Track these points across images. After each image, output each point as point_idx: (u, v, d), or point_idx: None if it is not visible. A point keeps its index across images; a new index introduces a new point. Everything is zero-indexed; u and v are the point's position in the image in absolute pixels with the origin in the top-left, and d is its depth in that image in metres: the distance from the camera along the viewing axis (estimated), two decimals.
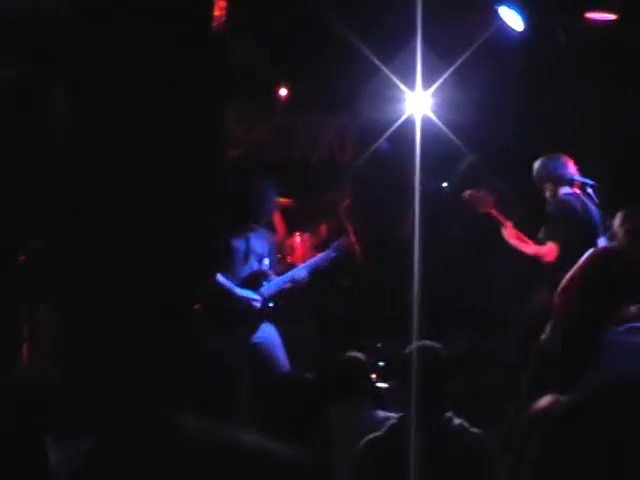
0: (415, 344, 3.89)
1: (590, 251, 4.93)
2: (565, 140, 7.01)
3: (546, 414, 2.99)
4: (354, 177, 7.52)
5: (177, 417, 1.01)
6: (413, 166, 6.00)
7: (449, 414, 3.76)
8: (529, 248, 6.06)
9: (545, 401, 3.13)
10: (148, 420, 1.00)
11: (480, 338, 6.14)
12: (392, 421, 3.85)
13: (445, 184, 7.38)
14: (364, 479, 3.69)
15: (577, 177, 6.26)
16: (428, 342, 3.92)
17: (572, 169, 6.15)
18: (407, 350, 3.85)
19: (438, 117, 6.53)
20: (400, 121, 6.62)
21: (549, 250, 5.93)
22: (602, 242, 6.11)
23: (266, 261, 6.22)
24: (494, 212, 6.15)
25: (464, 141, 6.81)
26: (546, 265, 5.97)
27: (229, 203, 5.94)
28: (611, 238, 5.74)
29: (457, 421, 3.76)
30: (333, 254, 6.51)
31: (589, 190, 6.30)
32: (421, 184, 6.03)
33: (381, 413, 4.30)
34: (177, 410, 1.02)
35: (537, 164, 6.18)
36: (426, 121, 6.38)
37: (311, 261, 6.55)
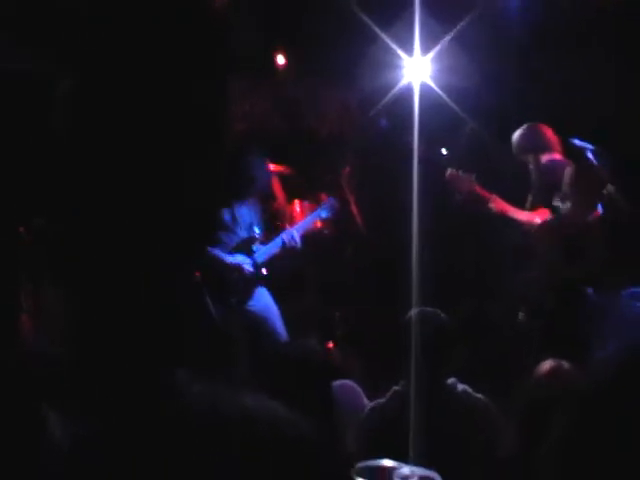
0: (415, 310, 3.92)
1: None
2: (568, 108, 6.95)
3: (550, 380, 3.04)
4: (354, 146, 7.56)
5: (179, 384, 0.99)
6: (412, 133, 5.91)
7: (452, 380, 3.80)
8: (522, 215, 6.06)
9: (547, 366, 3.17)
10: (151, 389, 0.98)
11: (482, 306, 6.12)
12: (396, 388, 3.88)
13: (445, 151, 7.37)
14: (368, 445, 3.72)
15: (576, 142, 6.24)
16: (428, 308, 3.96)
17: (551, 135, 6.18)
18: (407, 316, 3.88)
19: (437, 84, 6.48)
20: (398, 88, 6.56)
21: (541, 215, 5.95)
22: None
23: (256, 229, 6.20)
24: (477, 189, 6.14)
25: (464, 108, 6.77)
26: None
27: (223, 175, 5.95)
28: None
29: (461, 387, 3.81)
30: (324, 213, 6.51)
31: (589, 155, 6.27)
32: (421, 152, 6.00)
33: None
34: (179, 377, 0.99)
35: (515, 137, 6.23)
36: (425, 88, 6.33)
37: (301, 222, 6.55)
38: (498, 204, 6.11)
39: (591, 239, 5.70)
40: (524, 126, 6.21)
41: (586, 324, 5.14)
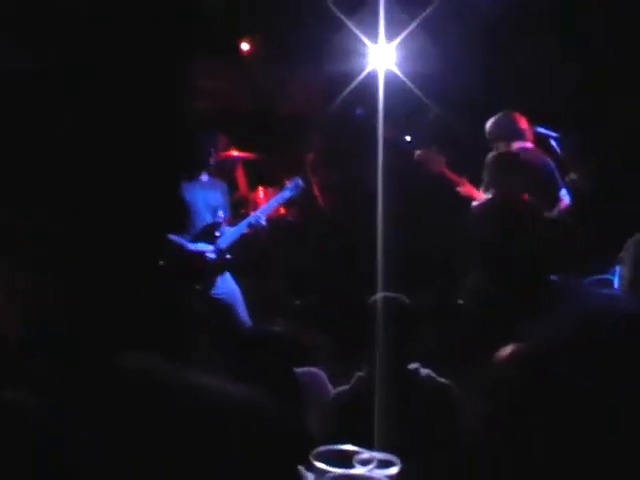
0: (378, 295, 3.92)
1: None
2: (534, 95, 7.05)
3: (511, 363, 3.06)
4: (319, 130, 7.49)
5: (131, 362, 1.01)
6: (377, 120, 6.01)
7: (416, 365, 3.81)
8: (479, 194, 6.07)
9: (507, 350, 3.20)
10: (105, 366, 1.00)
11: (448, 291, 6.15)
12: (359, 373, 3.89)
13: (408, 138, 7.38)
14: (332, 432, 3.72)
15: (540, 130, 6.33)
16: (391, 293, 3.96)
17: (523, 124, 6.21)
18: (370, 301, 3.89)
19: (402, 70, 6.52)
20: (364, 74, 6.58)
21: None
22: (564, 194, 6.26)
23: (220, 213, 6.16)
24: (446, 172, 6.18)
25: (429, 95, 6.82)
26: None
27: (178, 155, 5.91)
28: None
29: (424, 371, 3.82)
30: (289, 193, 6.47)
31: (552, 143, 6.36)
32: (385, 138, 6.03)
33: None
34: (134, 356, 1.02)
35: (488, 124, 6.25)
36: (390, 75, 6.35)
37: (265, 205, 6.51)
38: (466, 188, 6.17)
39: (527, 220, 5.71)
40: (499, 114, 6.25)
41: (546, 309, 5.16)
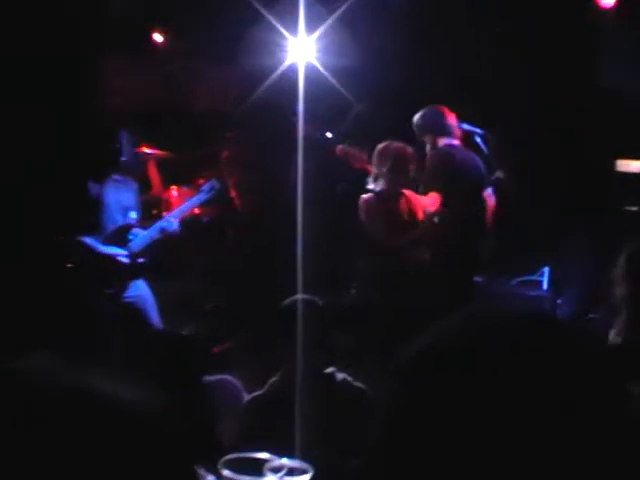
0: (292, 297, 3.92)
1: None
2: (459, 87, 7.16)
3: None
4: (235, 127, 7.43)
5: (29, 364, 1.01)
6: (297, 116, 6.00)
7: (332, 369, 3.81)
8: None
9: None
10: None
11: (364, 295, 6.16)
12: (273, 379, 3.87)
13: (330, 134, 7.34)
14: (248, 439, 3.71)
15: (465, 126, 6.37)
16: (306, 295, 3.96)
17: (452, 120, 6.24)
18: (284, 304, 3.88)
19: (323, 64, 6.48)
20: (283, 68, 6.54)
21: (432, 199, 5.98)
22: (488, 193, 6.30)
23: (132, 214, 6.07)
24: (368, 168, 6.17)
25: (352, 89, 6.82)
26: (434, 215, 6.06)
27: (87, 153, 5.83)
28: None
29: (340, 376, 3.81)
30: (204, 196, 6.39)
31: (478, 140, 6.42)
32: (305, 134, 6.03)
33: None
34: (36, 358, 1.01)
35: (416, 117, 6.27)
36: (311, 69, 6.32)
37: (180, 207, 6.42)
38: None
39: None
40: (426, 108, 6.28)
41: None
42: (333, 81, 6.57)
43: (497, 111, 6.94)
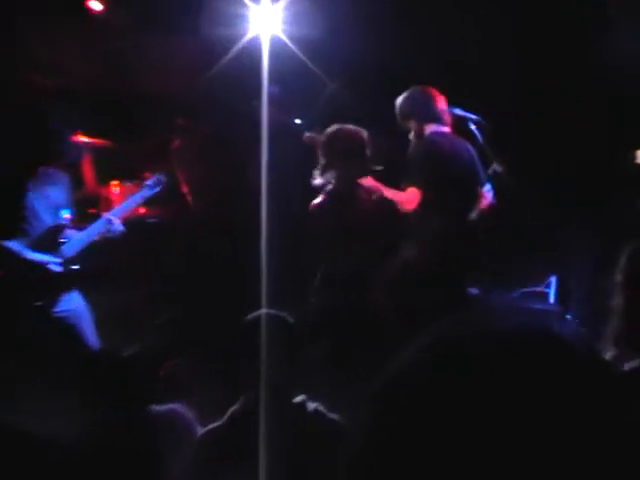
0: (256, 312, 3.91)
1: None
2: (447, 69, 7.17)
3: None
4: (187, 113, 7.46)
5: None
6: (260, 98, 6.02)
7: (302, 397, 3.79)
8: (389, 192, 6.09)
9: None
10: None
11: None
12: (233, 408, 3.83)
13: (299, 120, 7.37)
14: (200, 478, 3.68)
15: (457, 111, 6.37)
16: (272, 310, 3.95)
17: (441, 103, 6.25)
18: (246, 319, 3.86)
19: (290, 37, 6.47)
20: (244, 42, 6.53)
21: (409, 196, 6.00)
22: (487, 189, 6.32)
23: (65, 213, 5.99)
24: None
25: (325, 67, 6.89)
26: (410, 216, 6.07)
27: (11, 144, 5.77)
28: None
29: (312, 405, 3.77)
30: (149, 192, 6.32)
31: (472, 127, 6.41)
32: (271, 120, 6.03)
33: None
34: None
35: (399, 100, 6.26)
36: (276, 42, 6.32)
37: (121, 206, 6.35)
38: (369, 180, 6.12)
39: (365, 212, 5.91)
40: (411, 89, 6.28)
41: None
42: (302, 57, 6.60)
43: (490, 98, 6.98)
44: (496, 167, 6.42)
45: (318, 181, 5.92)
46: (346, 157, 5.86)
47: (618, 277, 3.33)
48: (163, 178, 6.39)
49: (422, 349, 1.07)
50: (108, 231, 6.06)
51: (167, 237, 7.19)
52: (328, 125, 6.22)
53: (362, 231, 5.83)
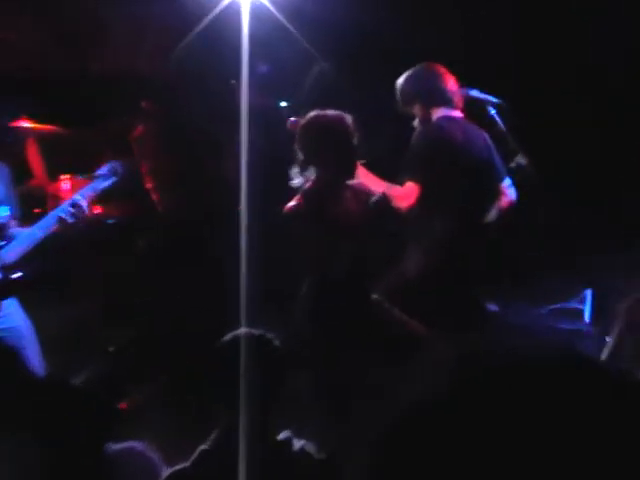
0: (233, 332, 3.92)
1: None
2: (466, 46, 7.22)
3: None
4: (152, 94, 7.45)
5: None
6: (239, 78, 5.91)
7: (287, 433, 3.80)
8: (379, 186, 6.08)
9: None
10: None
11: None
12: (203, 447, 3.83)
13: (284, 104, 7.39)
14: None
15: (473, 93, 6.37)
16: (253, 330, 3.95)
17: (451, 84, 6.25)
18: (221, 341, 3.87)
19: (275, 4, 6.43)
20: (220, 9, 6.48)
21: (406, 192, 5.96)
22: (507, 185, 6.32)
23: (3, 211, 5.96)
24: None
25: (314, 41, 6.86)
26: (408, 215, 6.05)
27: None
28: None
29: (298, 444, 3.78)
30: (103, 184, 6.23)
31: (492, 112, 6.39)
32: (251, 104, 5.89)
33: None
34: None
35: (401, 79, 6.27)
36: (258, 10, 6.22)
37: (71, 198, 6.18)
38: (363, 175, 6.11)
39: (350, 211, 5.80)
40: (415, 67, 6.28)
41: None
42: (290, 27, 6.59)
43: (512, 78, 7.10)
44: (520, 159, 6.37)
45: (296, 181, 5.79)
46: (326, 151, 5.70)
47: None
48: (120, 167, 6.31)
49: (439, 370, 1.20)
50: (72, 219, 5.99)
51: (127, 241, 7.18)
52: (315, 107, 6.11)
53: (349, 232, 5.72)
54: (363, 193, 5.83)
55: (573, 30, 7.42)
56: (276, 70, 7.12)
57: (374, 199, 5.82)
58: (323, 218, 5.63)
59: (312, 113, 5.82)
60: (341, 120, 5.70)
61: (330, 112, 5.78)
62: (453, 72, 6.31)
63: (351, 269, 5.67)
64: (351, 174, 5.80)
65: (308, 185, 5.69)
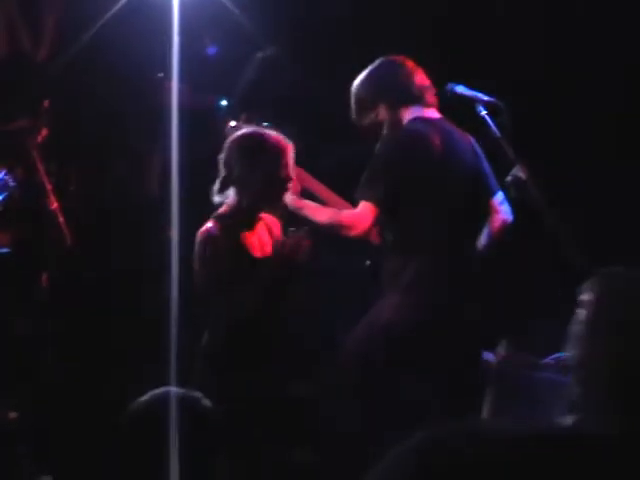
0: (154, 392, 3.58)
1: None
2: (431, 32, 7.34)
3: None
4: (56, 88, 7.25)
5: None
6: (168, 71, 5.94)
7: None
8: (322, 215, 5.91)
9: None
10: None
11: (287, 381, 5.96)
12: None
13: (225, 102, 7.22)
14: None
15: (460, 90, 6.10)
16: (180, 389, 3.66)
17: (420, 77, 6.06)
18: (135, 405, 3.52)
19: None
20: None
21: (357, 217, 5.72)
22: (500, 202, 6.05)
23: None
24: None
25: (260, 22, 6.77)
26: (395, 245, 5.92)
27: None
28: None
29: None
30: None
31: (482, 113, 6.06)
32: (183, 102, 5.94)
33: None
34: None
35: (359, 79, 6.13)
36: None
37: None
38: (317, 189, 6.11)
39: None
40: (379, 60, 6.11)
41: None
42: (230, 5, 6.53)
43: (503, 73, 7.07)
44: (517, 171, 6.01)
45: (217, 199, 5.72)
46: (251, 175, 5.62)
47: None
48: (11, 181, 6.18)
49: (411, 458, 1.43)
50: None
51: (24, 275, 6.99)
52: (259, 109, 6.23)
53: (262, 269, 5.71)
54: (274, 228, 5.84)
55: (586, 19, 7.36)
56: (215, 59, 7.16)
57: (284, 239, 5.73)
58: (235, 249, 5.63)
59: (249, 129, 5.83)
60: (277, 145, 5.71)
61: (269, 133, 5.76)
62: (437, 66, 6.20)
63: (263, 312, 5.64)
64: (273, 206, 5.79)
65: (224, 209, 5.69)
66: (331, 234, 5.90)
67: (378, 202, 5.68)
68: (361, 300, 6.29)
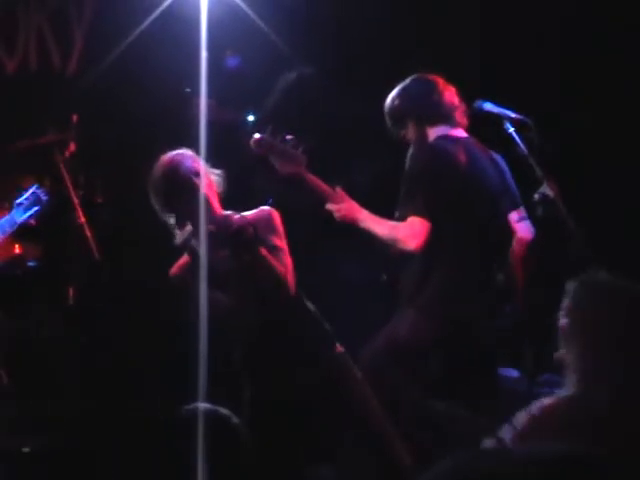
0: (184, 408, 3.53)
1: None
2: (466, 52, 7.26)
3: None
4: (86, 104, 7.24)
5: None
6: (195, 86, 5.94)
7: None
8: (382, 228, 5.92)
9: None
10: None
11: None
12: None
13: (252, 118, 7.29)
14: None
15: (487, 107, 6.12)
16: (208, 405, 3.61)
17: (451, 96, 6.17)
18: (165, 421, 3.51)
19: None
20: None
21: (413, 229, 5.76)
22: (522, 218, 6.13)
23: None
24: (307, 175, 5.98)
25: (293, 42, 6.86)
26: (416, 259, 5.93)
27: None
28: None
29: None
30: (22, 215, 6.16)
31: (510, 130, 6.05)
32: (212, 118, 5.85)
33: None
34: None
35: (389, 97, 6.23)
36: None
37: None
38: (348, 207, 5.99)
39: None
40: (410, 78, 6.21)
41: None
42: (257, 21, 6.60)
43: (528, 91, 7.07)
44: (545, 189, 6.00)
45: (179, 239, 5.64)
46: (180, 206, 5.63)
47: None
48: (44, 195, 6.24)
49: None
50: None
51: (52, 291, 7.01)
52: (286, 125, 6.13)
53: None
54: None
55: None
56: (241, 73, 7.24)
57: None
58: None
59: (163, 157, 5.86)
60: (170, 165, 5.76)
61: (164, 157, 5.80)
62: (468, 82, 6.28)
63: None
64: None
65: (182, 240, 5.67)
66: (387, 247, 5.93)
67: (426, 215, 5.75)
68: (378, 312, 6.37)
